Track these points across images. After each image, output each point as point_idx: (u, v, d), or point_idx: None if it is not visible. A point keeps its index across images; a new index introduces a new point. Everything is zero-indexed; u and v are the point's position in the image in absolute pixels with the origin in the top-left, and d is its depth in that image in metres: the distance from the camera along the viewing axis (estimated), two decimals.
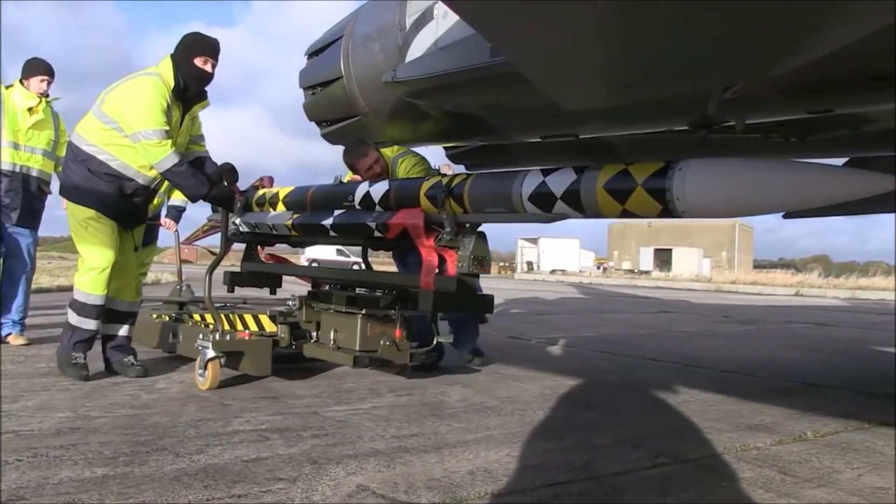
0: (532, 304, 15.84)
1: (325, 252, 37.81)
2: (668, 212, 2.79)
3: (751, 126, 3.96)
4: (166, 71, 4.64)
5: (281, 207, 4.85)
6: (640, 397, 4.72)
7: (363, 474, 2.82)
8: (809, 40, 2.13)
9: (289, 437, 3.35)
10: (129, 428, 3.37)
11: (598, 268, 51.03)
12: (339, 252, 39.34)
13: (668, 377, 5.52)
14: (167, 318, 5.68)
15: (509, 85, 3.05)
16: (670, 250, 50.52)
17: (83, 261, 4.68)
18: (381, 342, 4.40)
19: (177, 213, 7.29)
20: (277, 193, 4.93)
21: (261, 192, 5.11)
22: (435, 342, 4.51)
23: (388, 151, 5.18)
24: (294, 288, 5.78)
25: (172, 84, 4.60)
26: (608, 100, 3.06)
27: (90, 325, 4.65)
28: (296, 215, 4.65)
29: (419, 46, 4.14)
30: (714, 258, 52.84)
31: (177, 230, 7.27)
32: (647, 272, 46.15)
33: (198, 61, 4.67)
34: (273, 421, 3.64)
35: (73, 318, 4.65)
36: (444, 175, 3.85)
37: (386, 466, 2.93)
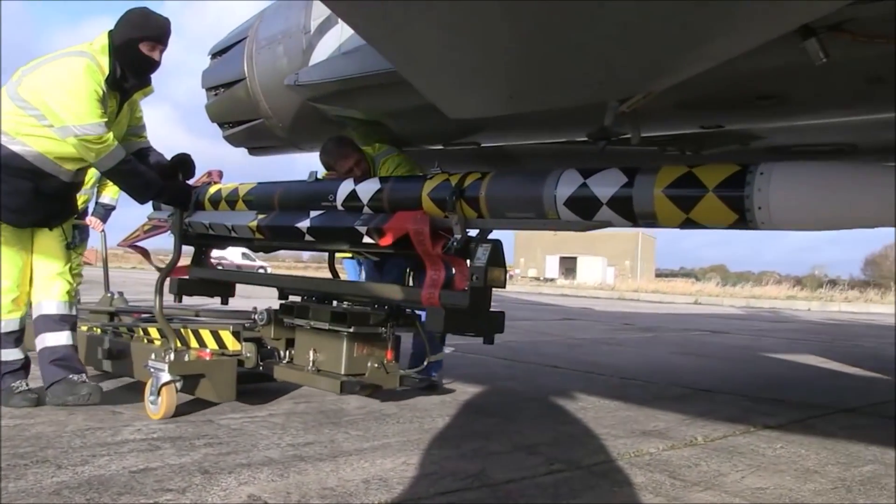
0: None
1: (230, 254, 35.87)
2: (743, 222, 2.49)
3: (648, 139, 4.08)
4: (101, 54, 3.87)
5: (241, 206, 4.30)
6: (539, 404, 4.77)
7: (255, 484, 2.75)
8: (691, 54, 2.20)
9: (181, 446, 3.24)
10: (8, 440, 3.18)
11: (508, 274, 51.54)
12: (245, 256, 38.33)
13: (568, 384, 5.60)
14: (98, 330, 4.96)
15: (409, 91, 2.98)
16: (576, 258, 51.59)
17: None
18: (369, 364, 3.93)
19: (104, 212, 6.76)
20: (237, 190, 4.36)
21: (215, 187, 4.54)
22: (426, 363, 4.16)
23: (368, 150, 4.67)
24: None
25: (107, 71, 3.85)
26: (494, 110, 3.03)
27: (12, 354, 3.99)
28: (261, 216, 4.11)
29: (323, 50, 4.10)
30: (618, 266, 54.25)
31: (104, 230, 6.67)
32: (552, 280, 47.02)
33: (143, 47, 3.88)
34: (165, 429, 3.52)
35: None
36: (451, 174, 3.40)
37: (279, 476, 2.86)
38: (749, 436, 4.00)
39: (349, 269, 9.15)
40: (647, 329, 12.32)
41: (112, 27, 3.95)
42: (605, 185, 2.76)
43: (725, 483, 3.05)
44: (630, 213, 2.72)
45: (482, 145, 4.50)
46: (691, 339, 10.71)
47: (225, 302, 4.94)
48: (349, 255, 8.22)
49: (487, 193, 3.14)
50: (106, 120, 3.80)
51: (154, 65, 3.99)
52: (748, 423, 4.30)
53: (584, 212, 2.84)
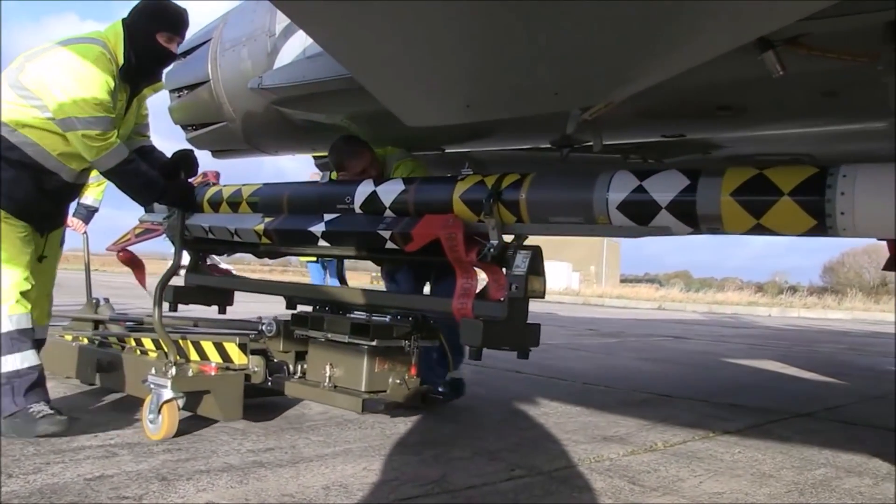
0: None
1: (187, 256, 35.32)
2: (821, 228, 2.34)
3: (610, 147, 4.13)
4: (115, 42, 3.60)
5: (245, 208, 4.07)
6: (501, 409, 4.78)
7: (214, 490, 2.73)
8: (648, 65, 2.23)
9: (139, 452, 3.21)
10: None
11: None
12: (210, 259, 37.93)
13: (531, 389, 5.63)
14: (86, 340, 4.65)
15: (372, 97, 2.96)
16: None
17: None
18: (390, 380, 3.66)
19: (87, 213, 6.51)
20: (240, 191, 4.12)
21: (214, 188, 4.28)
22: (449, 377, 3.99)
23: (380, 152, 4.43)
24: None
25: (122, 62, 3.59)
26: (451, 118, 3.00)
27: (29, 359, 3.45)
28: (268, 219, 3.87)
29: (288, 53, 4.06)
30: (583, 272, 54.63)
31: (85, 232, 6.44)
32: None
33: (160, 38, 3.63)
34: (124, 435, 3.49)
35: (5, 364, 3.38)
36: (485, 175, 3.21)
37: (239, 482, 2.85)
38: (708, 441, 4.05)
39: (313, 273, 9.13)
40: (611, 334, 12.41)
41: (125, 16, 3.73)
42: (665, 188, 2.62)
43: (683, 488, 3.09)
44: (692, 217, 2.59)
45: (447, 151, 4.51)
46: (654, 345, 10.82)
47: (223, 311, 4.67)
48: (313, 258, 8.16)
49: (529, 196, 2.96)
50: (114, 115, 3.57)
51: (171, 58, 3.80)
52: (707, 428, 4.36)
53: (640, 216, 2.69)
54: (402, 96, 2.85)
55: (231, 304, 4.64)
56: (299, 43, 3.89)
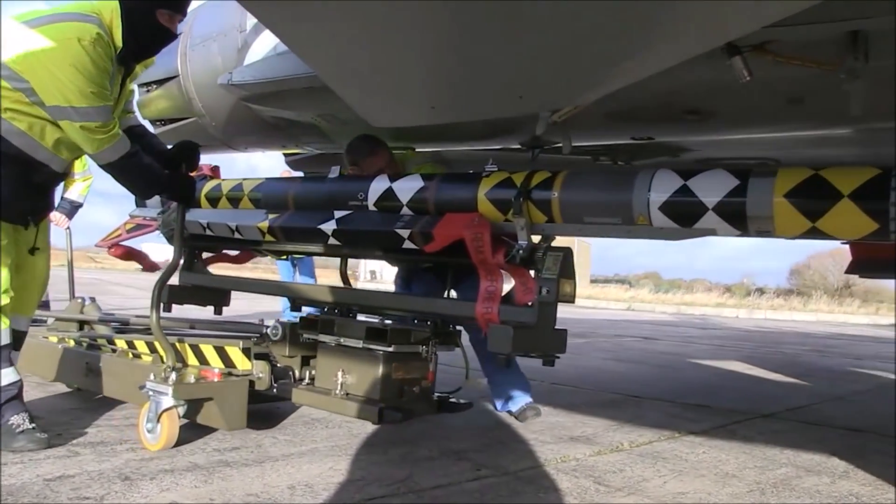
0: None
1: (161, 252, 33.60)
2: (884, 233, 2.24)
3: (580, 148, 4.15)
4: (110, 20, 3.22)
5: (247, 204, 3.88)
6: (468, 409, 4.78)
7: (178, 490, 2.71)
8: (613, 69, 2.25)
9: (102, 451, 3.17)
10: None
11: None
12: None
13: None
14: (72, 342, 4.37)
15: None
16: None
17: None
18: (406, 388, 3.46)
19: (71, 209, 6.31)
20: (241, 186, 3.92)
21: (212, 182, 4.07)
22: (462, 385, 3.81)
23: (400, 155, 4.22)
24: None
25: (120, 44, 3.23)
26: (416, 119, 2.98)
27: (10, 376, 3.29)
28: (273, 215, 3.69)
29: (258, 50, 4.04)
30: None
31: (69, 228, 6.21)
32: None
33: (161, 17, 3.26)
34: (87, 434, 3.44)
35: None
36: (512, 172, 3.04)
37: (203, 481, 2.82)
38: (674, 441, 4.09)
39: (282, 271, 9.05)
40: (580, 334, 12.47)
41: None
42: (712, 189, 2.52)
43: (648, 488, 3.12)
44: (741, 220, 2.48)
45: (417, 150, 4.51)
46: (623, 345, 10.90)
47: (218, 312, 4.45)
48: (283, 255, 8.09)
49: (562, 195, 2.82)
50: (111, 103, 3.25)
51: (172, 38, 3.43)
52: (673, 428, 4.40)
53: (684, 218, 2.58)
54: (368, 97, 2.83)
55: (228, 304, 4.45)
56: (270, 39, 3.86)
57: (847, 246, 5.77)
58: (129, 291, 15.66)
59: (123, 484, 2.73)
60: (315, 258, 8.01)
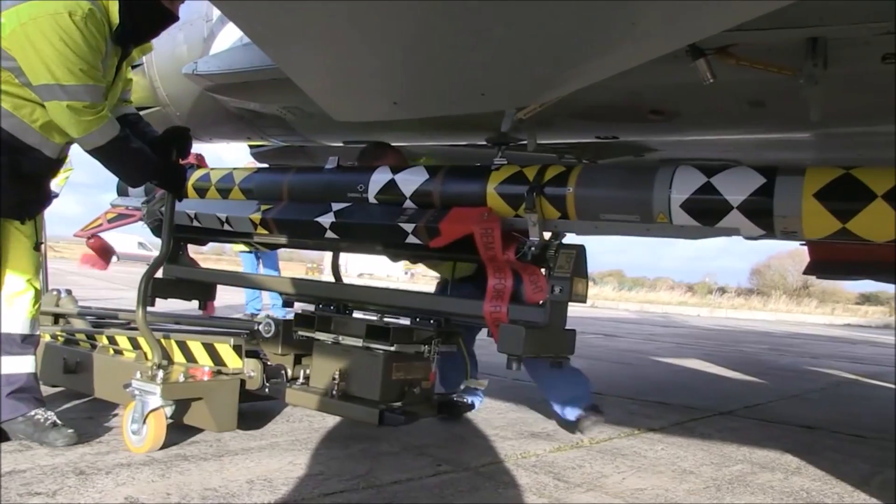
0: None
1: (123, 243, 30.09)
2: None
3: (546, 146, 4.17)
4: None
5: (238, 195, 3.73)
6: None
7: (134, 485, 2.67)
8: (574, 69, 2.26)
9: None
10: None
11: (406, 273, 51.68)
12: (141, 245, 36.76)
13: None
14: (48, 337, 4.14)
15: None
16: None
17: None
18: (406, 389, 3.31)
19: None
20: (231, 175, 3.76)
21: (200, 172, 3.92)
22: (464, 386, 3.63)
23: (421, 162, 3.82)
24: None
25: (116, 21, 3.03)
26: (379, 115, 2.97)
27: (24, 363, 3.19)
28: (266, 207, 3.55)
29: (224, 40, 4.00)
30: None
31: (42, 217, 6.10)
32: None
33: None
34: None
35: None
36: (523, 165, 2.95)
37: (160, 476, 2.79)
38: (633, 438, 4.13)
39: (246, 263, 8.98)
40: None
41: None
42: (737, 187, 2.44)
43: (607, 484, 3.15)
44: (767, 220, 2.40)
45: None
46: (585, 342, 10.96)
47: (203, 306, 4.28)
48: (247, 248, 8.02)
49: (578, 191, 2.72)
50: (104, 84, 3.03)
51: (172, 20, 3.23)
52: (633, 425, 4.45)
53: (707, 217, 2.51)
54: (330, 91, 2.79)
55: (213, 298, 4.29)
56: (236, 30, 3.82)
57: (805, 247, 5.87)
58: (89, 281, 15.41)
59: (77, 479, 2.68)
60: (280, 251, 7.94)
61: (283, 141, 4.91)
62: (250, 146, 5.58)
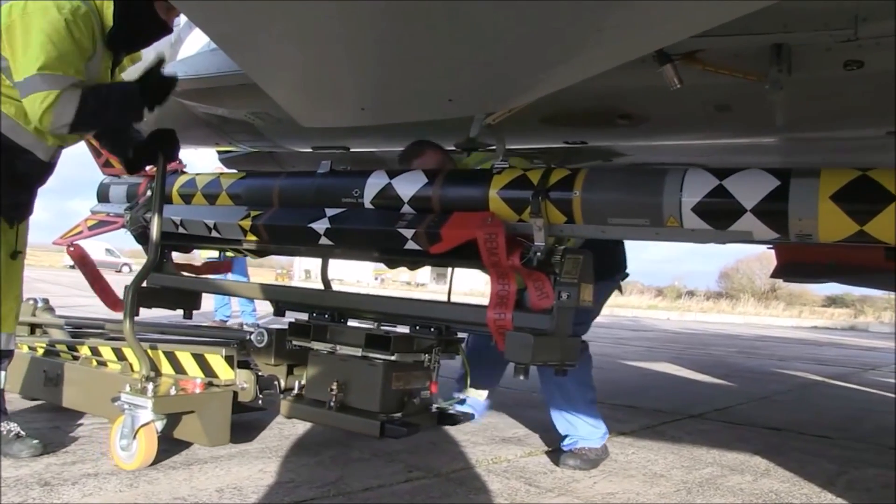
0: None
1: (90, 249, 31.77)
2: None
3: (514, 151, 4.18)
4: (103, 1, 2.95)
5: (225, 200, 3.60)
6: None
7: (101, 495, 2.63)
8: (541, 75, 2.27)
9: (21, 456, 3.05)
10: None
11: (377, 279, 51.51)
12: (108, 252, 36.30)
13: None
14: (27, 348, 3.97)
15: None
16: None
17: None
18: (406, 399, 3.18)
19: None
20: (217, 181, 3.62)
21: (184, 177, 3.76)
22: (459, 396, 3.53)
23: (469, 160, 3.77)
24: None
25: (110, 23, 2.95)
26: (346, 120, 2.95)
27: None
28: (256, 213, 3.42)
29: (192, 45, 3.97)
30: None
31: None
32: (423, 284, 47.39)
33: (159, 8, 2.97)
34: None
35: None
36: (526, 169, 2.85)
37: (128, 486, 2.75)
38: None
39: None
40: None
41: None
42: (750, 189, 2.38)
43: (578, 489, 3.15)
44: (782, 223, 2.35)
45: (351, 150, 4.48)
46: None
47: (188, 315, 4.11)
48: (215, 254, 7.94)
49: (584, 195, 2.65)
50: (77, 80, 2.86)
51: (166, 31, 3.13)
52: None
53: (719, 220, 2.45)
54: (297, 97, 2.75)
55: (198, 307, 4.13)
56: (203, 35, 3.79)
57: (773, 251, 5.95)
58: (55, 289, 15.17)
59: (42, 490, 2.63)
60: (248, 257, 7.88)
61: (251, 146, 4.88)
62: (219, 152, 5.53)
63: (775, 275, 5.83)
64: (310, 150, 4.65)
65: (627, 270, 3.87)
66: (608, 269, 3.55)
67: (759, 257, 43.58)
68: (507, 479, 3.22)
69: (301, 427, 3.89)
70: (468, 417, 3.48)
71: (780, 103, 2.86)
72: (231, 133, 4.45)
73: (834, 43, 2.48)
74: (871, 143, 3.67)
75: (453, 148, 3.65)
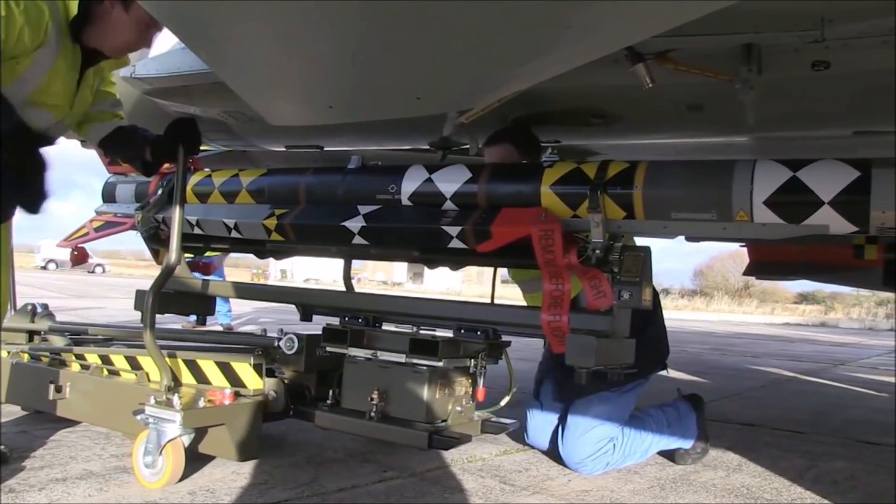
0: (279, 312, 15.56)
1: (64, 252, 31.13)
2: None
3: None
4: None
5: (246, 198, 3.45)
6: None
7: (70, 500, 2.59)
8: (509, 73, 2.27)
9: None
10: None
11: (354, 278, 51.29)
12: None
13: None
14: (27, 357, 3.78)
15: None
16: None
17: None
18: (450, 408, 3.03)
19: None
20: (237, 178, 3.48)
21: (199, 174, 3.59)
22: (504, 402, 3.36)
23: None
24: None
25: (73, 12, 2.62)
26: (314, 119, 2.91)
27: None
28: (281, 211, 3.26)
29: (163, 43, 3.92)
30: (465, 271, 55.21)
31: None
32: (399, 284, 47.36)
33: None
34: None
35: None
36: (579, 162, 2.74)
37: (98, 490, 2.72)
38: None
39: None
40: None
41: None
42: (827, 181, 2.28)
43: (552, 487, 3.16)
44: (862, 216, 2.24)
45: (325, 149, 4.46)
46: (529, 345, 11.04)
47: (202, 321, 3.93)
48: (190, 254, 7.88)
49: (646, 189, 2.53)
50: (18, 78, 2.49)
51: (147, 44, 2.85)
52: None
53: (793, 214, 2.34)
54: (264, 95, 2.70)
55: (212, 312, 3.93)
56: None
57: (745, 248, 6.01)
58: (29, 291, 14.96)
59: (8, 496, 2.59)
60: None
61: (224, 146, 4.84)
62: None
63: (748, 272, 5.87)
64: (283, 149, 4.62)
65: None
66: (652, 364, 3.59)
67: (732, 255, 44.05)
68: (482, 477, 3.23)
69: (276, 428, 3.86)
70: (511, 426, 3.35)
71: (751, 103, 2.88)
72: (204, 132, 4.39)
73: (802, 44, 2.51)
74: (839, 143, 3.73)
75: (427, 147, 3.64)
